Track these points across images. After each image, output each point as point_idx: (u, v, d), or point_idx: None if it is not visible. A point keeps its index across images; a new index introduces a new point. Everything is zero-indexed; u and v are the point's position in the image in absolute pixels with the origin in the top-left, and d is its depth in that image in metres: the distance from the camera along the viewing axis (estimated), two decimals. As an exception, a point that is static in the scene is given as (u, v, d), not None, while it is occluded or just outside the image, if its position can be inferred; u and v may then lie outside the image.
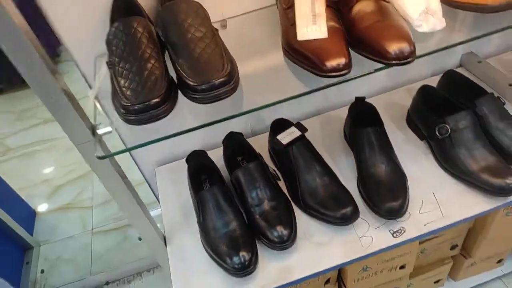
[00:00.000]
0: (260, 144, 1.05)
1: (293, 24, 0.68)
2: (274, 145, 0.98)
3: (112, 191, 0.73)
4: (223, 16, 0.85)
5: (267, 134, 1.04)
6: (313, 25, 0.65)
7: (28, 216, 1.70)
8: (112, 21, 0.73)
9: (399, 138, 1.01)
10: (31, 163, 2.00)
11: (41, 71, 0.55)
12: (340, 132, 1.06)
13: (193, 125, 0.66)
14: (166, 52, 0.69)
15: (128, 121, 0.60)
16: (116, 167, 0.70)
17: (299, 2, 0.66)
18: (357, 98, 0.98)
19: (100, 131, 0.65)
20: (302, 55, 0.66)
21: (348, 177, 0.94)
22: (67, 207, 1.75)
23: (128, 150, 0.66)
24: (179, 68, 0.64)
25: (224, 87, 0.60)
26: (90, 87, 0.87)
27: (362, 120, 0.95)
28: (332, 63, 0.61)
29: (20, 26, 0.50)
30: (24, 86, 2.39)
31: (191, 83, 0.61)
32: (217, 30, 0.70)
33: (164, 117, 0.60)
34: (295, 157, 0.91)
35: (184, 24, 0.66)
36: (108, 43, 0.66)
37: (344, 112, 1.04)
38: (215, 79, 0.60)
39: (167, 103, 0.61)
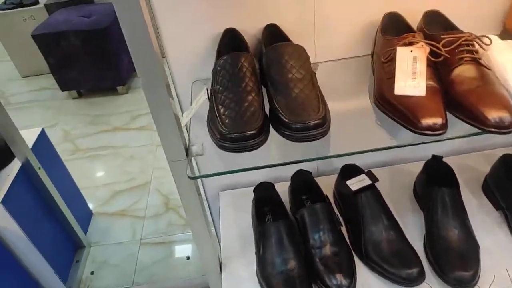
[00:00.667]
0: (325, 185, 1.05)
1: (390, 78, 0.69)
2: (342, 189, 0.98)
3: (187, 207, 0.76)
4: (315, 60, 0.89)
5: (333, 176, 1.04)
6: (412, 81, 0.66)
7: (85, 216, 1.79)
8: (219, 53, 0.79)
9: (472, 204, 0.98)
10: (96, 166, 2.12)
11: (162, 96, 0.60)
12: (410, 187, 1.04)
13: (277, 160, 0.69)
14: (264, 88, 0.73)
15: (222, 147, 0.64)
16: (197, 188, 0.73)
17: (400, 58, 0.68)
18: (434, 156, 0.96)
19: (194, 150, 0.69)
20: (396, 109, 0.67)
21: (414, 235, 0.91)
22: (122, 213, 1.82)
23: (218, 174, 0.69)
24: (276, 105, 0.67)
25: (318, 129, 0.63)
26: (181, 107, 0.93)
27: (437, 179, 0.93)
28: (428, 121, 0.62)
29: (156, 51, 0.55)
30: (102, 93, 2.58)
31: (286, 121, 0.64)
32: (315, 73, 0.73)
33: (257, 148, 0.63)
34: (363, 205, 0.90)
35: (286, 65, 0.70)
36: (215, 72, 0.71)
37: (416, 167, 1.02)
38: (310, 120, 0.62)
39: (262, 136, 0.64)
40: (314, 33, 0.85)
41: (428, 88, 0.66)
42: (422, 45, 0.67)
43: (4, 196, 1.19)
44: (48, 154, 1.53)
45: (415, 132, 0.63)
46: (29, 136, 1.42)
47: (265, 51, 0.73)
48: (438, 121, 0.62)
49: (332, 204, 1.03)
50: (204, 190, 1.14)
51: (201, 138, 0.72)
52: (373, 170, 0.99)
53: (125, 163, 2.08)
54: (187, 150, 0.69)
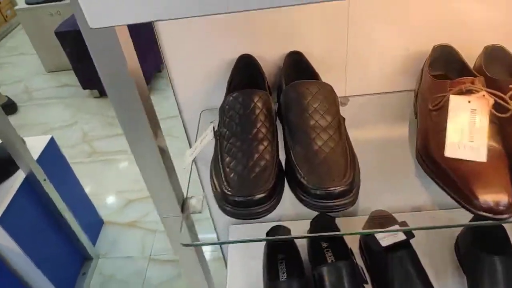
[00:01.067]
0: (349, 227, 0.91)
1: (439, 131, 0.55)
2: (370, 242, 0.84)
3: (187, 275, 0.65)
4: (346, 93, 0.75)
5: (359, 218, 0.90)
6: (469, 141, 0.52)
7: (94, 224, 1.72)
8: (230, 84, 0.67)
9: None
10: (111, 171, 2.05)
11: (145, 134, 0.48)
12: (451, 246, 0.89)
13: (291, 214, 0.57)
14: (281, 131, 0.61)
15: (224, 211, 0.52)
16: (201, 258, 0.62)
17: (454, 110, 0.54)
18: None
19: (191, 205, 0.58)
20: (445, 174, 0.53)
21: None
22: (133, 224, 1.74)
23: (220, 243, 0.57)
24: (293, 158, 0.55)
25: (343, 198, 0.50)
26: (188, 138, 0.82)
27: (486, 243, 0.78)
28: (488, 198, 0.48)
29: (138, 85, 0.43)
30: (122, 92, 2.51)
31: (304, 182, 0.51)
32: (344, 119, 0.60)
33: (266, 215, 0.51)
34: (394, 266, 0.77)
35: (309, 108, 0.57)
36: (222, 111, 0.60)
37: (461, 217, 0.87)
38: (334, 187, 0.49)
39: (273, 199, 0.52)
40: (346, 62, 0.71)
41: (490, 152, 0.51)
42: (484, 95, 0.53)
43: (4, 213, 1.12)
44: (57, 162, 1.47)
45: (471, 211, 0.49)
46: (38, 144, 1.36)
47: (284, 89, 0.60)
48: (503, 199, 0.48)
49: (356, 256, 0.90)
50: (214, 225, 1.03)
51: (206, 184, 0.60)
52: (407, 216, 0.85)
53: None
54: (183, 204, 0.58)
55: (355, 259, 0.81)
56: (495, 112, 0.53)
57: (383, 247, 0.79)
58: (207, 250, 1.46)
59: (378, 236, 0.81)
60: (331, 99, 0.58)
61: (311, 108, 0.57)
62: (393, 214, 0.86)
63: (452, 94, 0.55)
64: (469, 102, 0.53)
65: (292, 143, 0.56)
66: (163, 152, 0.52)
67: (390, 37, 0.68)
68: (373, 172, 0.60)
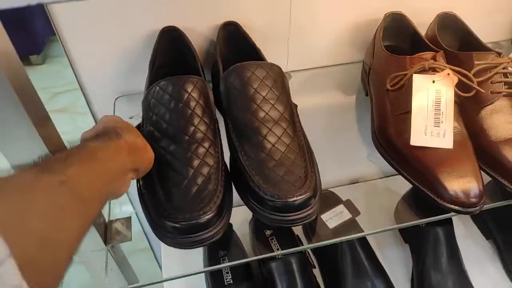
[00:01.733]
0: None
1: (400, 114, 0.50)
2: (315, 225, 0.80)
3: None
4: (287, 68, 0.66)
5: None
6: (435, 127, 0.47)
7: None
8: (153, 66, 0.53)
9: (460, 233, 0.85)
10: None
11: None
12: (390, 210, 0.88)
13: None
14: (222, 126, 0.50)
15: (163, 240, 0.41)
16: None
17: (418, 89, 0.48)
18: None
19: (117, 232, 0.45)
20: (407, 162, 0.48)
21: (399, 278, 0.77)
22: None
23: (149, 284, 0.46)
24: (242, 161, 0.45)
25: (306, 209, 0.42)
26: None
27: (427, 211, 0.78)
28: (458, 189, 0.44)
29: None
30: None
31: (260, 193, 0.42)
32: (296, 106, 0.51)
33: (216, 239, 0.41)
34: (343, 251, 0.73)
35: (257, 98, 0.46)
36: (147, 106, 0.46)
37: (399, 184, 0.86)
38: (295, 197, 0.41)
39: (223, 217, 0.42)
40: (288, 34, 0.61)
41: (454, 136, 0.47)
42: (449, 74, 0.47)
43: None
44: None
45: (441, 205, 0.45)
46: None
47: (224, 75, 0.48)
48: (473, 188, 0.44)
49: (302, 234, 0.86)
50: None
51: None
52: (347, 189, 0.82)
53: (44, 154, 1.73)
54: (105, 232, 0.45)
55: (301, 245, 0.76)
56: (459, 92, 0.48)
57: (330, 229, 0.75)
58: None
59: (324, 217, 0.77)
60: (281, 84, 0.49)
61: (259, 98, 0.47)
62: (333, 189, 0.83)
63: (415, 73, 0.48)
64: (433, 82, 0.48)
65: (239, 143, 0.46)
66: None
67: (337, 5, 0.59)
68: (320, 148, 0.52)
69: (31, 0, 0.23)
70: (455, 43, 0.60)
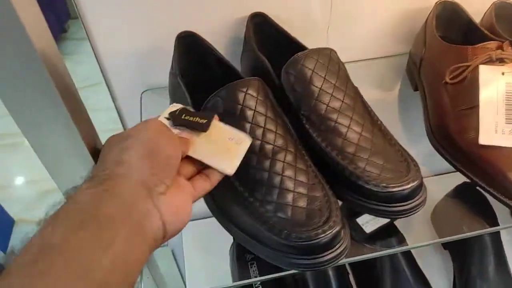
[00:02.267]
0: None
1: (463, 110, 0.45)
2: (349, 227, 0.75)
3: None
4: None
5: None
6: (507, 124, 0.42)
7: (3, 226, 1.43)
8: (181, 55, 0.48)
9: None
10: (15, 159, 1.72)
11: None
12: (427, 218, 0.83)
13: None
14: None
15: (287, 264, 0.36)
16: None
17: (486, 82, 0.43)
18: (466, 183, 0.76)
19: None
20: (476, 166, 0.43)
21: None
22: (53, 220, 1.48)
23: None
24: (331, 155, 0.40)
25: (418, 197, 0.38)
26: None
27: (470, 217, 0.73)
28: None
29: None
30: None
31: (363, 184, 0.38)
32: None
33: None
34: (381, 257, 0.68)
35: (328, 87, 0.42)
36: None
37: (439, 184, 0.80)
38: (403, 185, 0.37)
39: (345, 230, 0.37)
40: (328, 23, 0.56)
41: (528, 134, 0.42)
42: (520, 64, 0.42)
43: None
44: None
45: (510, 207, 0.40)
46: None
47: (285, 69, 0.43)
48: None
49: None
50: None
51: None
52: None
53: (55, 153, 1.70)
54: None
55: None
56: (530, 85, 0.43)
57: (368, 233, 0.70)
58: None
59: (360, 221, 0.72)
60: (343, 68, 0.45)
61: (330, 86, 0.42)
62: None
63: (481, 64, 0.43)
64: (502, 74, 0.43)
65: (321, 138, 0.41)
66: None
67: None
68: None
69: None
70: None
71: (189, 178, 0.33)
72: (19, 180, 1.63)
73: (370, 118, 0.43)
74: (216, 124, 0.36)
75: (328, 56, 0.43)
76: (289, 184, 0.37)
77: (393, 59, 0.62)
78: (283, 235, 0.34)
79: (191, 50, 0.48)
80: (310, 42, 0.51)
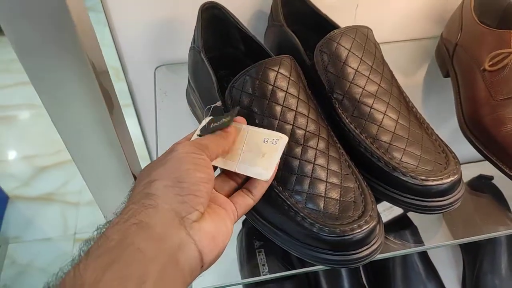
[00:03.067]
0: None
1: (502, 100, 0.42)
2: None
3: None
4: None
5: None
6: (550, 116, 0.39)
7: (-2, 201, 1.40)
8: (205, 29, 0.44)
9: None
10: (10, 132, 1.67)
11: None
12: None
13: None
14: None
15: (317, 260, 0.34)
16: None
17: (530, 72, 0.40)
18: (482, 176, 0.74)
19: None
20: (508, 155, 0.40)
21: (448, 280, 0.71)
22: (49, 197, 1.45)
23: None
24: (365, 143, 0.37)
25: (456, 192, 0.36)
26: (136, 106, 0.59)
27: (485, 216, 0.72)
28: None
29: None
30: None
31: (399, 176, 0.35)
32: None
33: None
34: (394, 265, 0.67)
35: (365, 69, 0.39)
36: (235, 102, 0.36)
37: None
38: (441, 179, 0.35)
39: (380, 226, 0.34)
40: (357, 2, 0.53)
41: None
42: None
43: None
44: None
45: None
46: None
47: (319, 48, 0.40)
48: None
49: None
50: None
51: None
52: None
53: (52, 128, 1.65)
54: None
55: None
56: None
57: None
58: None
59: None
60: (379, 49, 0.42)
61: (367, 68, 0.39)
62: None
63: (527, 50, 0.41)
64: (550, 62, 0.40)
65: (355, 124, 0.38)
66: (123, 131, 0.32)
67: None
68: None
69: None
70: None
71: (231, 194, 0.31)
72: (13, 155, 1.59)
73: (406, 104, 0.40)
74: (246, 129, 0.33)
75: (365, 35, 0.40)
76: (322, 174, 0.34)
77: (422, 42, 0.59)
78: (315, 229, 0.32)
79: (215, 23, 0.44)
80: (337, 19, 0.48)
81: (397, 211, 0.69)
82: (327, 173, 0.34)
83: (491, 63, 0.43)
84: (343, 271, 0.64)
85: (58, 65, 0.27)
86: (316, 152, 0.35)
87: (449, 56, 0.51)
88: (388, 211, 0.69)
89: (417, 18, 0.57)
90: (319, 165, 0.34)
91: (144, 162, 0.40)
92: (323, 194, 0.33)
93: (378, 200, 0.58)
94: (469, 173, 0.67)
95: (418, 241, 0.69)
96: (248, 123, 0.34)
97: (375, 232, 0.32)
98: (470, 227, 0.60)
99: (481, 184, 0.74)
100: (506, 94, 0.42)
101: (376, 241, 0.33)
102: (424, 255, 0.67)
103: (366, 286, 0.70)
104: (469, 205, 0.68)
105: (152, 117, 0.50)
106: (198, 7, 0.43)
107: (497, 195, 0.69)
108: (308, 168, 0.34)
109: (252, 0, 0.50)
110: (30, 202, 1.43)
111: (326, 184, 0.34)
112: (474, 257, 0.69)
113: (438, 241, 0.76)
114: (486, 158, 0.43)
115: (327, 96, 0.40)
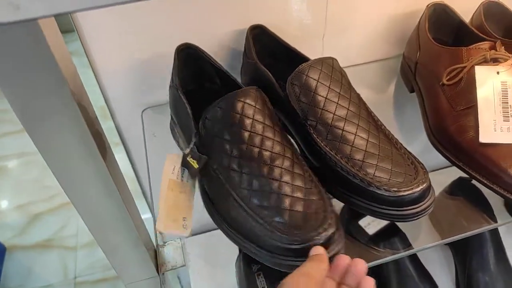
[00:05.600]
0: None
1: (461, 110, 0.46)
2: (352, 231, 0.76)
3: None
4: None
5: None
6: (504, 121, 0.43)
7: (-5, 253, 1.39)
8: (180, 80, 0.48)
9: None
10: (2, 182, 1.67)
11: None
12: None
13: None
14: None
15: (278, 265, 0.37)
16: None
17: (482, 82, 0.44)
18: (461, 178, 0.77)
19: (168, 258, 0.40)
20: (478, 164, 0.44)
21: (441, 282, 0.74)
22: (46, 244, 1.44)
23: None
24: (340, 163, 0.41)
25: (425, 200, 0.39)
26: (131, 159, 0.61)
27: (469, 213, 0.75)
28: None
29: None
30: None
31: (374, 190, 0.39)
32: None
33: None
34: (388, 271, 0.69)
35: (334, 96, 0.43)
36: (208, 131, 0.40)
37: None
38: (412, 189, 0.38)
39: (340, 231, 0.37)
40: (324, 31, 0.58)
41: (525, 129, 0.43)
42: (513, 63, 0.44)
43: None
44: None
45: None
46: None
47: (290, 80, 0.44)
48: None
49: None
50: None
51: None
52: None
53: (42, 174, 1.66)
54: (156, 258, 0.40)
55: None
56: (524, 82, 0.45)
57: (370, 235, 0.71)
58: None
59: (362, 223, 0.73)
60: (346, 76, 0.46)
61: (335, 95, 0.43)
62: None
63: (476, 64, 0.45)
64: (497, 73, 0.44)
65: (329, 147, 0.42)
66: (117, 178, 0.34)
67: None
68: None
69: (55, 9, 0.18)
70: (500, 32, 0.57)
71: None
72: (6, 205, 1.59)
73: (375, 123, 0.44)
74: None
75: (331, 65, 0.44)
76: (287, 189, 0.37)
77: (387, 62, 0.64)
78: (281, 239, 0.35)
79: (191, 62, 0.48)
80: (306, 50, 0.52)
81: (384, 221, 0.72)
82: (292, 189, 0.38)
83: (448, 77, 0.48)
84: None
85: (50, 112, 0.29)
86: (281, 170, 0.38)
87: (412, 73, 0.56)
88: (375, 222, 0.72)
89: (381, 40, 0.61)
90: (285, 182, 0.38)
91: (136, 197, 0.43)
92: (288, 208, 0.37)
93: (362, 215, 0.61)
94: (448, 176, 0.71)
95: (407, 246, 0.72)
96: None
97: (333, 238, 0.35)
98: (456, 227, 0.63)
99: (462, 186, 0.78)
100: (465, 104, 0.46)
101: (335, 246, 0.36)
102: (415, 260, 0.70)
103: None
104: (453, 206, 0.72)
105: (142, 155, 0.52)
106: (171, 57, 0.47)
107: (477, 194, 0.72)
108: (275, 185, 0.37)
109: (229, 39, 0.54)
110: (28, 251, 1.43)
111: (291, 199, 0.37)
112: (463, 257, 0.72)
113: (426, 243, 0.80)
114: (454, 164, 0.47)
115: (302, 123, 0.43)
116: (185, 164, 0.41)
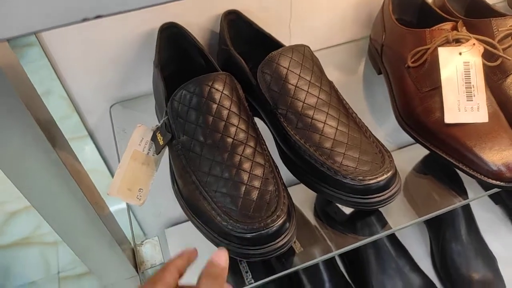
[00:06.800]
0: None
1: (426, 92, 0.47)
2: (328, 210, 0.77)
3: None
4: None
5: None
6: (467, 101, 0.45)
7: (-28, 255, 1.36)
8: (161, 58, 0.47)
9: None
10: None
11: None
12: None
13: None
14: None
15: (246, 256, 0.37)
16: None
17: (445, 63, 0.45)
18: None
19: (147, 256, 0.40)
20: (445, 144, 0.45)
21: (418, 254, 0.77)
22: (26, 241, 1.42)
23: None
24: (309, 151, 0.41)
25: (392, 187, 0.39)
26: (103, 156, 0.60)
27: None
28: (501, 164, 0.42)
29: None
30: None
31: (340, 178, 0.39)
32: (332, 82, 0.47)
33: (289, 247, 0.37)
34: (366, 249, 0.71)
35: (304, 84, 0.43)
36: (174, 114, 0.41)
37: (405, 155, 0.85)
38: (378, 177, 0.39)
39: (292, 220, 0.38)
40: (290, 17, 0.57)
41: (487, 109, 0.45)
42: (474, 44, 0.45)
43: None
44: None
45: (483, 182, 0.43)
46: None
47: (261, 67, 0.44)
48: (514, 160, 0.42)
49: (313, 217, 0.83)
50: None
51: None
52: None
53: (16, 171, 1.61)
54: (135, 257, 0.40)
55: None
56: (486, 62, 0.46)
57: (348, 214, 0.72)
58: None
59: (336, 207, 0.74)
60: (317, 64, 0.46)
61: (305, 83, 0.43)
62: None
63: (439, 46, 0.46)
64: (460, 54, 0.45)
65: (299, 135, 0.42)
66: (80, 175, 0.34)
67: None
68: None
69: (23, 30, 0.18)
70: (462, 11, 0.58)
71: None
72: (-19, 204, 1.54)
73: (346, 111, 0.44)
74: None
75: (302, 52, 0.44)
76: (244, 177, 0.38)
77: (356, 43, 0.64)
78: (230, 226, 0.35)
79: (173, 41, 0.48)
80: (275, 34, 0.52)
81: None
82: (248, 177, 0.38)
83: (413, 60, 0.48)
84: (320, 264, 0.67)
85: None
86: (241, 158, 0.38)
87: (379, 55, 0.56)
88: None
89: (348, 23, 0.61)
90: (243, 170, 0.38)
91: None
92: (241, 196, 0.37)
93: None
94: (420, 152, 0.73)
95: (384, 225, 0.74)
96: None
97: (284, 227, 0.36)
98: (430, 203, 0.65)
99: (433, 163, 0.80)
100: (430, 86, 0.47)
101: (285, 237, 0.36)
102: (392, 236, 0.72)
103: (345, 274, 0.74)
104: (425, 182, 0.74)
105: (113, 148, 0.52)
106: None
107: (449, 171, 0.75)
108: (233, 172, 0.38)
109: (207, 21, 0.53)
110: (7, 249, 1.40)
111: (246, 187, 0.37)
112: (437, 230, 0.75)
113: (402, 220, 0.82)
114: (422, 144, 0.48)
115: (273, 112, 0.43)
116: (153, 138, 0.42)
